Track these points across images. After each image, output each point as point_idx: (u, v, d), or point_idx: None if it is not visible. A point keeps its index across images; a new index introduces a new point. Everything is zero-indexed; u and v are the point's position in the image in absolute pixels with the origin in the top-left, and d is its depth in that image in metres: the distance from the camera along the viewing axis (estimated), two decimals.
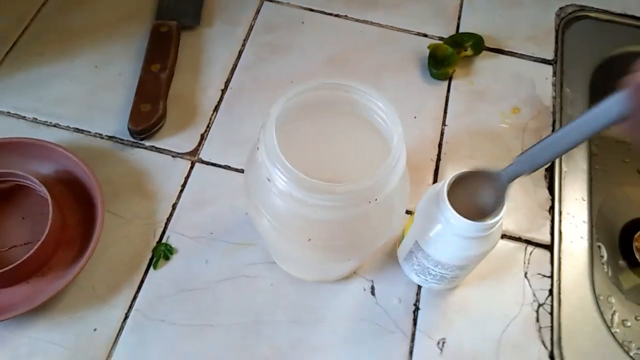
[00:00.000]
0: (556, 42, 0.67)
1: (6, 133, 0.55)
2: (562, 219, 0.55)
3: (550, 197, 0.56)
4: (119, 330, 0.47)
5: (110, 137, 0.57)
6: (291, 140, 0.37)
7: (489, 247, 0.44)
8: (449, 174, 0.56)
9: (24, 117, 0.58)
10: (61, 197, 0.52)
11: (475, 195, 0.42)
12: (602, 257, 0.65)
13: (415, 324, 0.49)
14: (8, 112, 0.58)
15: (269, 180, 0.36)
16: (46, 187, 0.49)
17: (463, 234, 0.42)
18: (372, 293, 0.50)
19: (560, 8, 0.70)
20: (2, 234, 0.51)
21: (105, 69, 0.61)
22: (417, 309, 0.50)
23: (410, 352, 0.48)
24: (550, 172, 0.58)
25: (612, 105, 0.33)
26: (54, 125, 0.58)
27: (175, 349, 0.47)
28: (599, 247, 0.65)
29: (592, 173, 0.59)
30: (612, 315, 0.59)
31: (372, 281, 0.51)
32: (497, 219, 0.41)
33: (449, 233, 0.42)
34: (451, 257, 0.44)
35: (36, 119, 0.58)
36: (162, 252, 0.51)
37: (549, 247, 0.54)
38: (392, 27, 0.67)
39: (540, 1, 0.70)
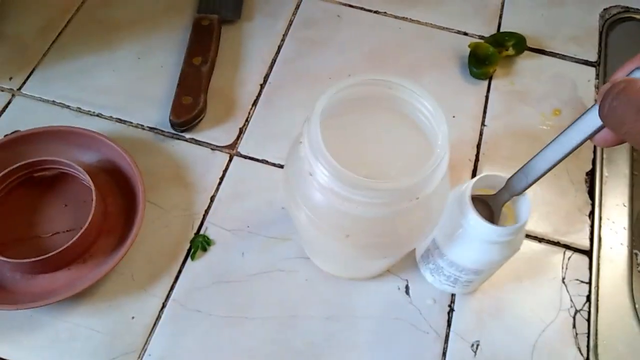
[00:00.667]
0: (599, 44, 0.66)
1: (51, 121, 0.56)
2: (602, 225, 0.55)
3: (590, 201, 0.55)
4: (156, 319, 0.48)
5: (151, 129, 0.58)
6: (333, 135, 0.37)
7: (507, 254, 0.43)
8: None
9: (68, 106, 0.59)
10: (103, 186, 0.53)
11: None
12: (639, 264, 0.64)
13: (449, 325, 0.49)
14: (53, 101, 0.59)
15: (311, 175, 0.36)
16: (90, 176, 0.51)
17: (483, 237, 0.41)
18: (407, 292, 0.50)
19: (605, 9, 0.68)
20: (46, 221, 0.52)
21: (147, 61, 0.62)
22: (451, 310, 0.50)
23: (444, 354, 0.48)
24: (591, 176, 0.57)
25: (589, 117, 0.35)
26: (97, 115, 0.59)
27: (210, 340, 0.48)
28: (636, 254, 0.64)
29: (634, 179, 0.58)
30: None
31: (406, 280, 0.51)
32: (518, 225, 0.40)
33: (468, 235, 0.42)
34: (467, 260, 0.44)
35: (80, 109, 0.59)
36: (199, 244, 0.51)
37: (588, 253, 0.53)
38: (431, 24, 0.67)
39: (583, 1, 0.69)
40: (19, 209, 0.52)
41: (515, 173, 0.40)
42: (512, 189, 0.41)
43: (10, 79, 0.60)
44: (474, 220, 0.40)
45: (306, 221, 0.40)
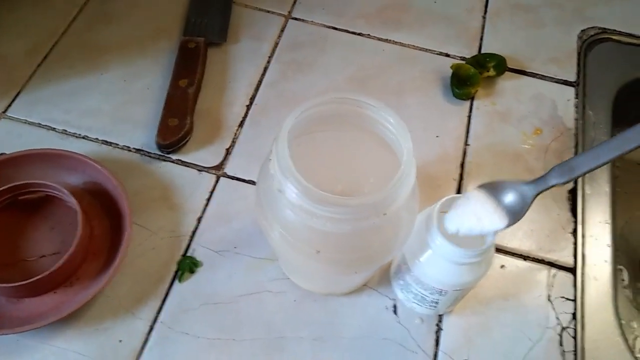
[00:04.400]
0: (578, 64, 0.68)
1: (36, 144, 0.56)
2: (586, 242, 0.55)
3: (573, 219, 0.56)
4: (144, 342, 0.48)
5: (137, 150, 0.58)
6: (303, 153, 0.38)
7: (472, 277, 0.44)
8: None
9: (54, 129, 0.59)
10: (89, 208, 0.53)
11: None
12: (623, 280, 0.65)
13: (437, 344, 0.49)
14: (39, 124, 0.59)
15: (280, 192, 0.37)
16: (75, 198, 0.50)
17: (448, 257, 0.42)
18: (395, 312, 0.51)
19: (582, 30, 0.70)
20: (32, 244, 0.51)
21: (133, 83, 0.63)
22: (439, 329, 0.50)
23: None
24: (573, 194, 0.58)
25: None
26: (83, 137, 0.59)
27: None
28: (620, 270, 0.65)
29: (615, 196, 0.59)
30: (635, 340, 0.58)
31: (394, 300, 0.51)
32: (483, 247, 0.41)
33: (435, 254, 0.43)
34: (431, 279, 0.44)
35: (66, 131, 0.59)
36: (187, 265, 0.51)
37: (573, 270, 0.53)
38: (414, 46, 0.68)
39: (562, 23, 0.71)
40: (4, 233, 0.51)
41: (561, 164, 0.39)
42: (553, 179, 0.39)
43: None
44: (440, 240, 0.41)
45: (279, 238, 0.41)
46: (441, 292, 0.45)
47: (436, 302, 0.47)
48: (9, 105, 0.60)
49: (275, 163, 0.37)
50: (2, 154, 0.55)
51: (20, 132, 0.58)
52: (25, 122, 0.59)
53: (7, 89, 0.61)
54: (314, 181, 0.35)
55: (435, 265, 0.43)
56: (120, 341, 0.48)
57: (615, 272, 0.55)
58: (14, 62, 0.63)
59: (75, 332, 0.48)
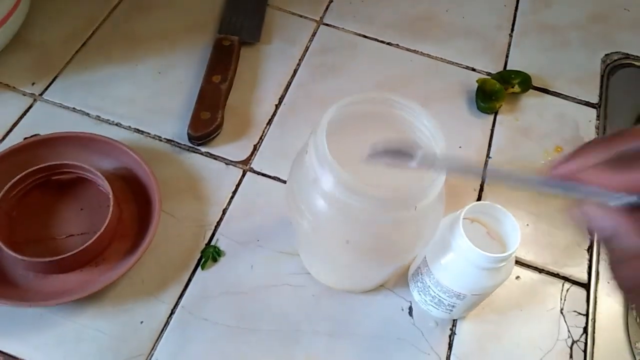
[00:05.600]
0: (601, 87, 0.69)
1: (70, 127, 0.58)
2: (600, 259, 0.56)
3: (589, 236, 0.57)
4: (164, 325, 0.49)
5: (168, 140, 0.60)
6: (338, 150, 0.39)
7: (492, 282, 0.45)
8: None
9: (87, 114, 0.61)
10: (119, 192, 0.54)
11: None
12: (632, 308, 0.65)
13: (450, 348, 0.50)
14: (73, 108, 0.61)
15: (315, 181, 0.38)
16: (107, 182, 0.52)
17: (470, 261, 0.43)
18: (410, 314, 0.52)
19: (606, 54, 0.72)
20: (61, 223, 0.53)
21: (167, 75, 0.64)
22: (453, 334, 0.51)
23: None
24: None
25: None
26: (116, 124, 0.60)
27: (216, 349, 0.48)
28: None
29: None
30: None
31: (410, 302, 0.52)
32: (507, 254, 0.42)
33: (457, 257, 0.44)
34: (451, 282, 0.45)
35: (99, 117, 0.61)
36: (210, 254, 0.53)
37: (586, 286, 0.54)
38: (441, 58, 0.70)
39: (587, 45, 0.72)
40: (36, 211, 0.53)
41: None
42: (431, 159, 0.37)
43: (33, 84, 0.62)
44: (465, 243, 0.42)
45: (308, 229, 0.42)
46: (459, 295, 0.46)
47: (453, 306, 0.48)
48: (46, 89, 0.62)
49: (312, 153, 0.38)
50: (36, 134, 0.57)
51: (55, 115, 0.60)
52: (60, 106, 0.61)
53: (45, 73, 0.63)
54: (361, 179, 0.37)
55: (457, 268, 0.44)
56: (142, 322, 0.49)
57: None
58: (52, 48, 0.65)
59: (98, 310, 0.49)
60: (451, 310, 0.49)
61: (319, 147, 0.38)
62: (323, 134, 0.39)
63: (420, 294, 0.50)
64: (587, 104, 0.67)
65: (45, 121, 0.60)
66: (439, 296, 0.48)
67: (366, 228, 0.41)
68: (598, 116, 0.66)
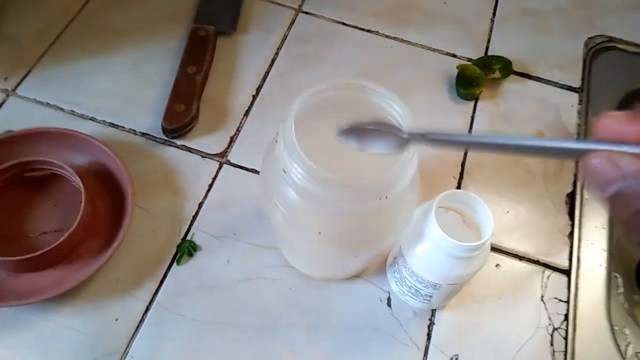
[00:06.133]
0: (583, 71, 0.68)
1: (44, 123, 0.57)
2: (582, 246, 0.56)
3: (570, 222, 0.57)
4: (140, 322, 0.49)
5: (143, 134, 0.59)
6: (308, 138, 0.39)
7: (467, 271, 0.44)
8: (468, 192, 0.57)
9: (62, 109, 0.60)
10: (92, 188, 0.54)
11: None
12: (617, 287, 0.65)
13: (429, 338, 0.50)
14: (47, 103, 0.60)
15: (285, 172, 0.37)
16: (79, 178, 0.51)
17: (444, 250, 0.42)
18: (389, 304, 0.51)
19: (589, 38, 0.71)
20: (34, 220, 0.52)
21: (143, 68, 0.63)
22: (431, 323, 0.51)
23: None
24: (571, 198, 0.58)
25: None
26: (90, 119, 0.59)
27: (192, 344, 0.48)
28: (616, 277, 0.65)
29: None
30: (627, 346, 0.59)
31: (388, 292, 0.52)
32: (480, 242, 0.41)
33: (431, 247, 0.43)
34: (426, 272, 0.45)
35: (74, 112, 0.60)
36: (186, 249, 0.52)
37: (567, 272, 0.54)
38: (422, 45, 0.69)
39: (569, 30, 0.71)
40: (8, 208, 0.52)
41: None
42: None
43: (6, 79, 0.61)
44: (438, 233, 0.41)
45: (281, 220, 0.41)
46: (435, 285, 0.46)
47: (430, 296, 0.48)
48: (19, 84, 0.61)
49: (281, 143, 0.38)
50: (9, 131, 0.56)
51: (28, 110, 0.59)
52: (34, 101, 0.60)
53: (18, 67, 0.62)
54: (327, 168, 0.36)
55: (431, 258, 0.44)
56: (117, 320, 0.49)
57: (610, 277, 0.55)
58: (25, 41, 0.64)
59: (73, 308, 0.49)
60: (429, 300, 0.48)
61: (287, 136, 0.37)
62: (291, 123, 0.38)
63: (397, 285, 0.50)
64: (570, 88, 0.66)
65: (18, 117, 0.59)
66: (416, 286, 0.47)
67: (337, 219, 0.41)
68: (580, 101, 0.65)
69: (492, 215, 0.43)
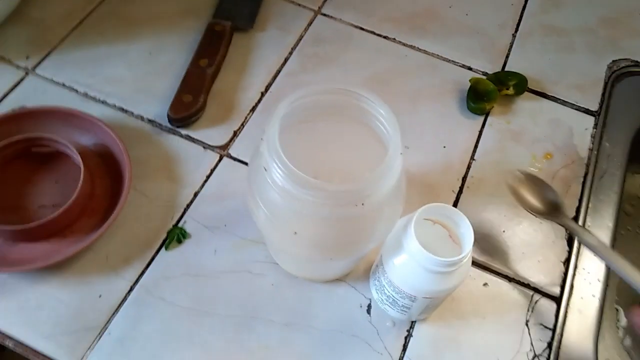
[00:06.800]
0: (603, 94, 0.66)
1: (58, 102, 0.59)
2: (577, 274, 0.54)
3: (567, 249, 0.55)
4: (122, 301, 0.50)
5: (150, 121, 0.60)
6: (297, 141, 0.39)
7: (445, 287, 0.43)
8: (466, 207, 0.56)
9: (76, 90, 0.62)
10: (95, 169, 0.55)
11: None
12: (618, 321, 0.63)
13: (404, 350, 0.49)
14: (63, 84, 0.62)
15: (266, 170, 0.38)
16: (83, 157, 0.53)
17: (421, 263, 0.42)
18: (368, 312, 0.51)
19: (614, 60, 0.69)
20: (35, 194, 0.54)
21: (157, 57, 0.65)
22: (409, 335, 0.50)
23: None
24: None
25: None
26: (102, 102, 0.61)
27: (169, 328, 0.49)
28: (617, 310, 0.63)
29: (622, 232, 0.57)
30: None
31: (369, 300, 0.51)
32: (455, 258, 0.40)
33: (409, 259, 0.43)
34: (403, 283, 0.44)
35: (87, 94, 0.62)
36: (176, 235, 0.53)
37: (557, 300, 0.52)
38: (437, 55, 0.68)
39: (593, 50, 0.69)
40: (13, 180, 0.55)
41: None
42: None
43: (27, 57, 0.64)
44: (414, 245, 0.41)
45: (262, 217, 0.42)
46: (411, 297, 0.45)
47: (407, 307, 0.47)
48: (39, 63, 0.64)
49: (264, 142, 0.38)
50: (23, 107, 0.58)
51: (45, 89, 0.62)
52: (50, 81, 0.62)
53: (40, 48, 0.65)
54: (301, 168, 0.36)
55: (408, 269, 0.43)
56: (100, 296, 0.50)
57: (603, 310, 0.53)
58: (49, 25, 0.67)
59: (61, 281, 0.50)
60: (406, 311, 0.48)
61: (269, 135, 0.38)
62: (276, 123, 0.38)
63: (377, 292, 0.50)
64: (586, 111, 0.65)
65: (34, 95, 0.61)
66: (393, 296, 0.47)
67: (312, 221, 0.41)
68: (595, 124, 0.63)
69: (473, 232, 0.42)
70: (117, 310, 0.50)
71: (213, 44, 0.64)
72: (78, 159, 0.53)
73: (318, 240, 0.42)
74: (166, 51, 0.66)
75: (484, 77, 0.65)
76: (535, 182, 0.56)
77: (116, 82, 0.63)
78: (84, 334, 0.48)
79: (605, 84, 0.67)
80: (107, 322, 0.49)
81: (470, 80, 0.64)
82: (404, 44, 0.69)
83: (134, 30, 0.67)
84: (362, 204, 0.38)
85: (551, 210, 0.54)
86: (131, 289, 0.51)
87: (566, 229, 0.55)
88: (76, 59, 0.64)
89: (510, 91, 0.64)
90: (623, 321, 0.63)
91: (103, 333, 0.48)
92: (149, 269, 0.52)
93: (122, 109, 0.61)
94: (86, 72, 0.63)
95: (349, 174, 0.47)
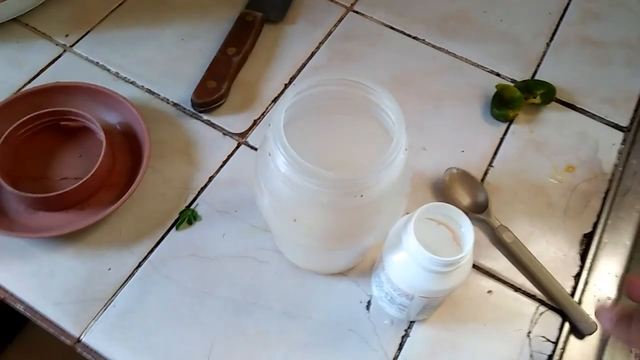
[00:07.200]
0: (635, 110, 0.64)
1: (90, 80, 0.61)
2: (587, 289, 0.53)
3: (580, 263, 0.54)
4: (130, 276, 0.52)
5: (174, 104, 0.62)
6: (305, 133, 0.40)
7: (443, 287, 0.43)
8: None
9: (108, 70, 0.64)
10: (117, 146, 0.58)
11: None
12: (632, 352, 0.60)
13: (400, 349, 0.49)
14: (97, 62, 0.65)
15: (270, 155, 0.38)
16: (106, 134, 0.55)
17: (419, 262, 0.41)
18: (367, 308, 0.51)
19: None
20: (59, 165, 0.57)
21: (189, 43, 0.67)
22: (406, 335, 0.50)
23: None
24: (588, 238, 0.55)
25: None
26: (131, 82, 0.63)
27: (172, 306, 0.50)
28: None
29: (634, 253, 0.55)
30: None
31: (370, 296, 0.51)
32: (453, 259, 0.40)
33: (408, 257, 0.42)
34: (401, 280, 0.44)
35: (118, 74, 0.64)
36: (187, 216, 0.54)
37: (563, 313, 0.51)
38: (466, 59, 0.67)
39: (630, 65, 0.67)
40: (39, 150, 0.57)
41: None
42: None
43: (67, 35, 0.67)
44: (413, 243, 0.41)
45: (266, 204, 0.43)
46: (408, 295, 0.45)
47: (405, 306, 0.47)
48: (76, 42, 0.66)
49: (270, 128, 0.39)
50: (57, 82, 0.61)
51: (79, 66, 0.64)
52: (86, 59, 0.65)
53: (79, 27, 0.68)
54: (317, 163, 0.36)
55: (406, 267, 0.43)
56: (109, 269, 0.52)
57: None
58: (91, 6, 0.70)
59: (74, 251, 0.53)
60: (403, 310, 0.48)
61: (274, 122, 0.38)
62: (282, 110, 0.39)
63: (377, 289, 0.50)
64: (616, 126, 0.63)
65: (69, 71, 0.64)
66: (391, 293, 0.47)
67: (312, 209, 0.41)
68: (624, 141, 0.61)
69: (474, 233, 0.42)
70: (124, 284, 0.51)
71: (242, 33, 0.65)
72: (102, 134, 0.55)
73: (316, 229, 0.43)
74: (198, 38, 0.67)
75: (511, 84, 0.64)
76: (467, 180, 0.57)
77: (147, 64, 0.65)
78: (90, 304, 0.50)
79: None
80: (114, 295, 0.51)
81: (496, 87, 0.63)
82: (433, 46, 0.68)
83: (169, 15, 0.69)
84: (361, 196, 0.38)
85: (478, 209, 0.56)
86: (139, 265, 0.52)
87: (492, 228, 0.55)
88: (112, 39, 0.67)
89: (537, 100, 0.62)
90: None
91: (108, 305, 0.50)
92: (159, 247, 0.53)
93: (149, 91, 0.63)
94: (119, 53, 0.66)
95: (355, 167, 0.47)
